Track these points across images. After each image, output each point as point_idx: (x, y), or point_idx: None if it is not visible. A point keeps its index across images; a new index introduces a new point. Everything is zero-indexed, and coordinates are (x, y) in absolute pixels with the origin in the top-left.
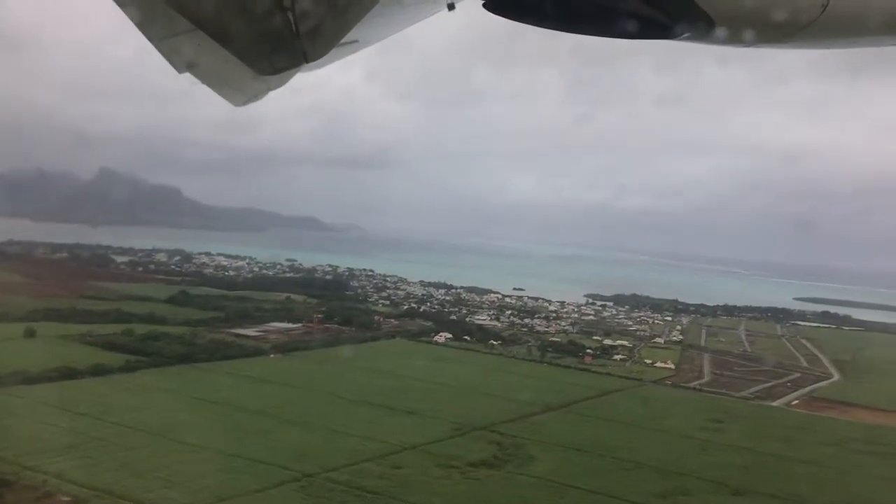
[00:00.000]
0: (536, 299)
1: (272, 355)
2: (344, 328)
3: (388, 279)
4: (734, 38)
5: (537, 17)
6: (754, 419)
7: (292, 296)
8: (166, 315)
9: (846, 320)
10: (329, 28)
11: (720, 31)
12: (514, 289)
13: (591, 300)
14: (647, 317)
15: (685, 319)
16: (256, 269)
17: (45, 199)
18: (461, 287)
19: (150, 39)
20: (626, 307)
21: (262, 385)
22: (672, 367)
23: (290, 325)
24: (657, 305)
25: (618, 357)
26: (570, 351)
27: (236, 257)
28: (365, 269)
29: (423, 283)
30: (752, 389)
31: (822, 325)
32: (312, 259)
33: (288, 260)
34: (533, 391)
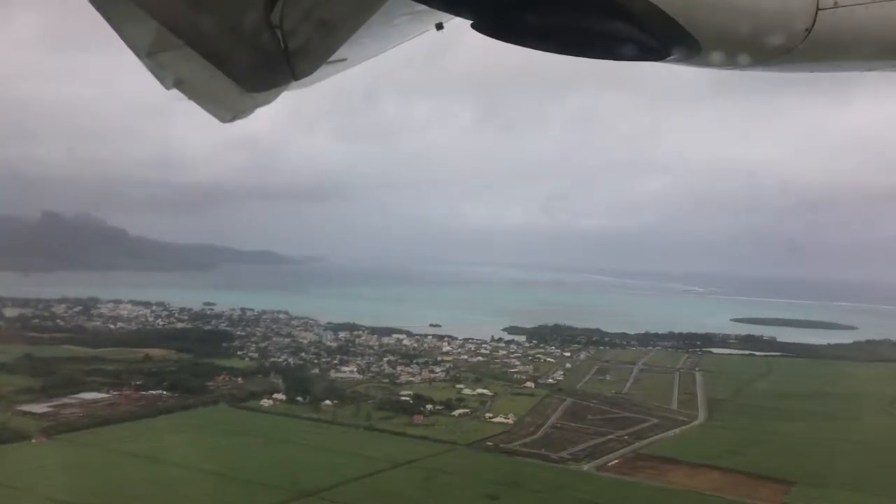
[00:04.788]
0: (442, 337)
1: (34, 440)
2: (165, 395)
3: (294, 322)
4: (718, 61)
5: (527, 39)
6: (542, 491)
7: (152, 352)
8: None
9: (770, 344)
10: (318, 46)
11: (705, 54)
12: (431, 325)
13: (506, 334)
14: (546, 353)
15: (585, 354)
16: (152, 318)
17: None
18: (366, 328)
19: (138, 55)
20: (534, 342)
21: None
22: (511, 422)
23: (98, 396)
24: (571, 338)
25: (458, 413)
26: (408, 408)
27: (146, 304)
28: (279, 311)
29: (328, 326)
30: (578, 447)
31: (736, 351)
32: (240, 300)
33: (205, 303)
34: (303, 472)
